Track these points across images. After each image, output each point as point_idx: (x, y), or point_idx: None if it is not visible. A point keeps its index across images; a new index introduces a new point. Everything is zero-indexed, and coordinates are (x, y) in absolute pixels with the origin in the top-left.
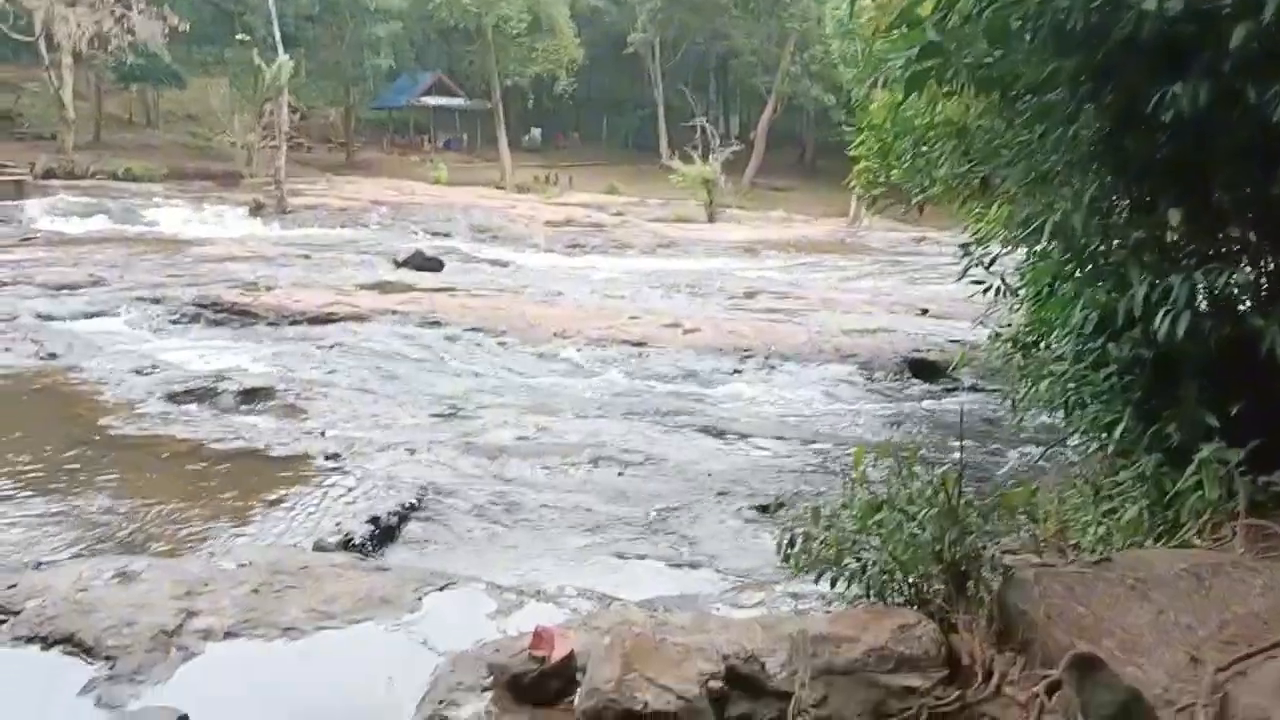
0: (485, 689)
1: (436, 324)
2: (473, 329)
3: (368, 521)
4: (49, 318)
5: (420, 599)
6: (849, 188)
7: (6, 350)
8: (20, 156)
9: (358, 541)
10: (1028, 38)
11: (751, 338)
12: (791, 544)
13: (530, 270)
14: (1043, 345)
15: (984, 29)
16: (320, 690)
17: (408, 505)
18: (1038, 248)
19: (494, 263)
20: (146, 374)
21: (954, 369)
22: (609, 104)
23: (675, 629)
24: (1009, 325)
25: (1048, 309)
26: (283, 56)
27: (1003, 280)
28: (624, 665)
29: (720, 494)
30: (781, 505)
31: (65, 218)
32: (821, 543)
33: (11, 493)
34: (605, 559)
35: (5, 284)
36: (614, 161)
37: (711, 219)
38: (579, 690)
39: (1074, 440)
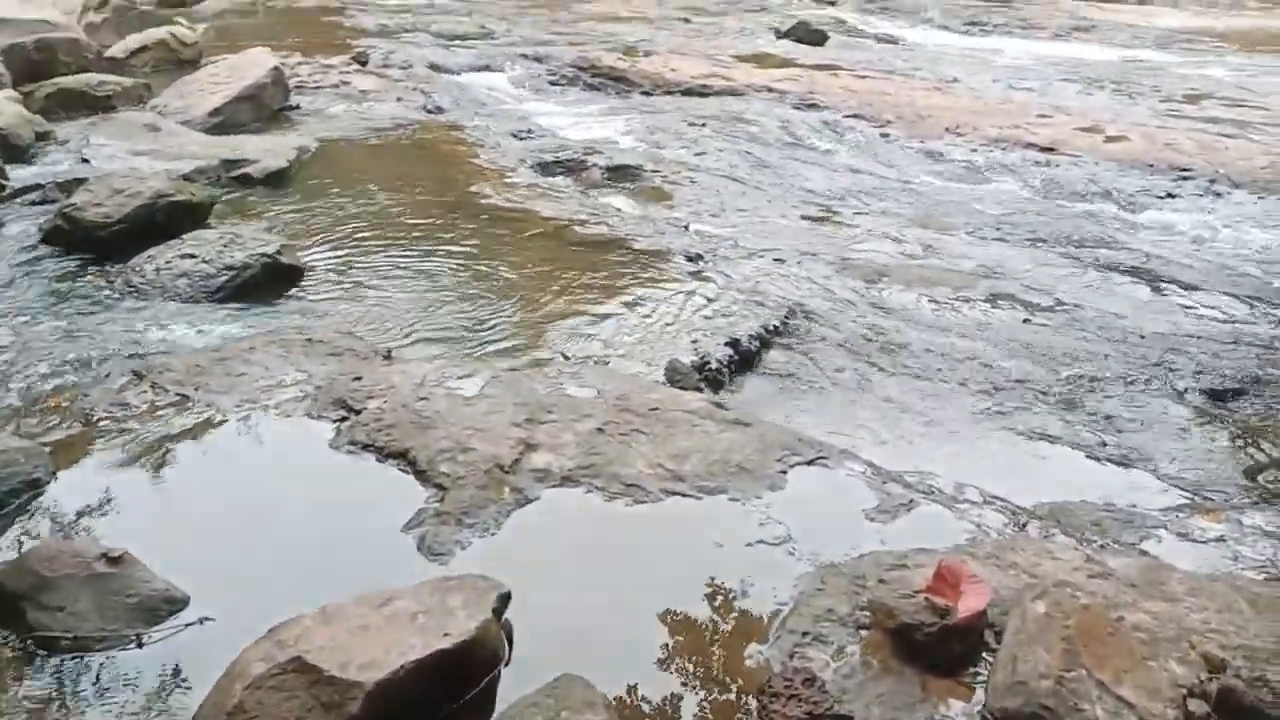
0: (862, 627)
1: (815, 106)
2: (853, 115)
3: (726, 344)
4: (439, 69)
5: (784, 473)
6: None
7: (399, 100)
8: None
9: (714, 366)
10: None
11: (1192, 153)
12: None
13: (923, 49)
14: None
15: None
16: (662, 587)
17: (771, 328)
18: None
19: (882, 38)
20: (521, 138)
21: None
22: None
23: (1123, 587)
24: None
25: None
26: None
27: None
28: (1066, 654)
29: (1155, 365)
30: (1243, 393)
31: None
32: None
33: (380, 260)
34: (1006, 436)
35: (406, 31)
36: None
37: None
38: (993, 669)
39: None
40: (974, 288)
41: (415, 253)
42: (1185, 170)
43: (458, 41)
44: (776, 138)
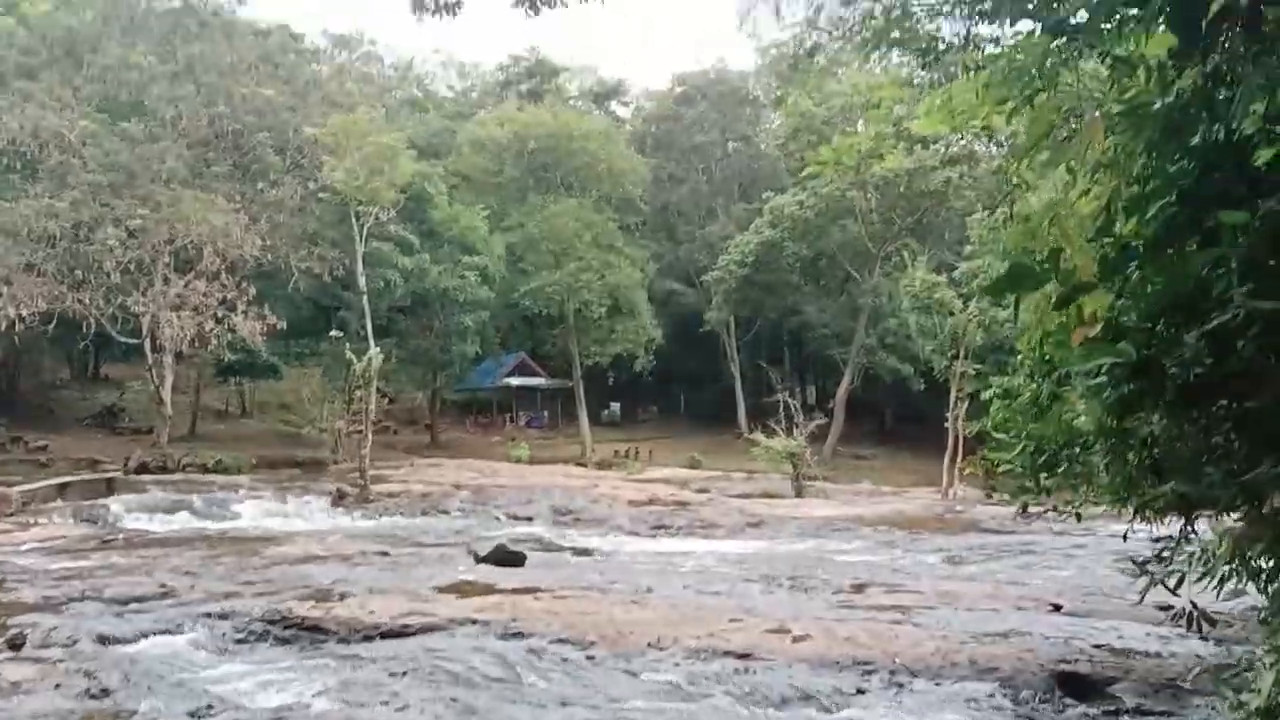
0: None
1: (519, 635)
2: (558, 640)
3: None
4: (111, 640)
5: None
6: (962, 469)
7: (56, 687)
8: (118, 451)
9: None
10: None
11: (870, 646)
12: None
13: (616, 559)
14: None
15: (1202, 338)
16: None
17: None
18: None
19: (577, 551)
20: (200, 717)
21: None
22: (686, 378)
23: None
24: (1254, 688)
25: None
26: (374, 349)
27: (1196, 609)
28: None
29: None
30: None
31: (150, 515)
32: None
33: None
34: None
35: (74, 600)
36: (693, 434)
37: (799, 494)
38: None
39: None
40: None
41: None
42: (867, 664)
43: (134, 605)
44: (482, 675)
